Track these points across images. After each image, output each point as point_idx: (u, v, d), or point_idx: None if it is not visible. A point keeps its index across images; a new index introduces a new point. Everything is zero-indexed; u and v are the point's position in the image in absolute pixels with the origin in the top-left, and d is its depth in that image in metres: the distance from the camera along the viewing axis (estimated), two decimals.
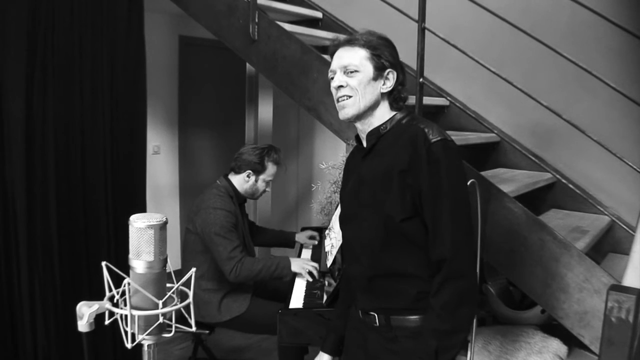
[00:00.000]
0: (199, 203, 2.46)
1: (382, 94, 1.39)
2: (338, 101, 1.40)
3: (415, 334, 1.33)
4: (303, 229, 3.04)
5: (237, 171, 2.52)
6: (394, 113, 1.41)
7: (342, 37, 1.43)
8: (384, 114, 1.40)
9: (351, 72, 1.36)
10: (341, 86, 1.37)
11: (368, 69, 1.36)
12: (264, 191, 2.59)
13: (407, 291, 1.35)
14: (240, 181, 2.52)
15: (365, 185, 1.40)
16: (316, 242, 2.82)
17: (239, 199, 2.53)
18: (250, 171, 2.50)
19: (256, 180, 2.52)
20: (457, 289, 1.26)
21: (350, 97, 1.37)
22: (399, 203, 1.31)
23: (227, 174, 2.56)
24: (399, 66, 1.40)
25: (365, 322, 1.44)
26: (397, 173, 1.31)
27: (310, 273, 2.33)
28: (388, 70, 1.38)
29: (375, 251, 1.37)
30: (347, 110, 1.38)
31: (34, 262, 2.21)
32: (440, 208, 1.27)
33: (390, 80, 1.39)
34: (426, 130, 1.30)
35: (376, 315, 1.40)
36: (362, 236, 1.40)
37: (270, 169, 2.53)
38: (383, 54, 1.37)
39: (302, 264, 2.38)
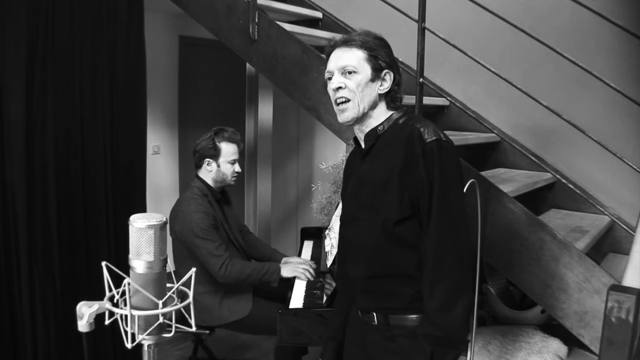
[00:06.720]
0: (175, 208, 2.43)
1: (380, 95, 1.38)
2: (337, 103, 1.38)
3: (413, 333, 1.34)
4: (303, 229, 3.04)
5: (199, 165, 2.47)
6: (390, 113, 1.41)
7: (338, 37, 1.42)
8: (381, 114, 1.40)
9: (349, 72, 1.35)
10: (340, 87, 1.36)
11: (366, 70, 1.35)
12: (235, 172, 2.48)
13: (404, 291, 1.35)
14: (206, 174, 2.47)
15: (364, 187, 1.40)
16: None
17: (214, 195, 2.47)
18: (207, 159, 2.44)
19: (218, 165, 2.44)
20: (447, 291, 1.26)
21: (349, 100, 1.35)
22: (396, 204, 1.31)
23: (196, 173, 2.50)
24: (395, 66, 1.39)
25: (364, 321, 1.45)
26: (394, 174, 1.31)
27: (304, 273, 2.32)
28: (385, 71, 1.37)
29: (374, 252, 1.37)
30: (346, 114, 1.37)
31: (34, 262, 2.21)
32: (431, 208, 1.27)
33: (387, 81, 1.38)
34: (422, 129, 1.30)
35: (375, 314, 1.40)
36: (362, 237, 1.40)
37: (226, 147, 2.44)
38: (380, 54, 1.36)
39: (293, 267, 2.36)
